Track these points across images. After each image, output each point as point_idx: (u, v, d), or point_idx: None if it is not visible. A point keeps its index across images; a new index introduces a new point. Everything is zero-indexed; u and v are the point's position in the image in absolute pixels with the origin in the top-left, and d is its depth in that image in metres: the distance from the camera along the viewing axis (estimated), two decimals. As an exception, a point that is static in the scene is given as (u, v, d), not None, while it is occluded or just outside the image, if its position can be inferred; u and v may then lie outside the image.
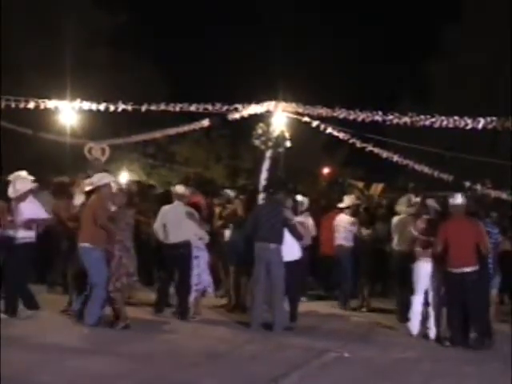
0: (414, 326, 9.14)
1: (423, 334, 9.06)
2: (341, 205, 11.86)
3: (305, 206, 10.86)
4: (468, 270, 8.58)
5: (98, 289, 8.55)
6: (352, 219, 11.65)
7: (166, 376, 6.58)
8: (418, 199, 10.50)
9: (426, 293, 9.11)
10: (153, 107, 14.72)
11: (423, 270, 9.05)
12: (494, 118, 12.06)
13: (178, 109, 14.53)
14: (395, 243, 10.52)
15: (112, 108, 14.58)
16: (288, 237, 9.27)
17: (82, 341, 7.97)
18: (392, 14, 36.17)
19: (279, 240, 9.12)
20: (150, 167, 28.51)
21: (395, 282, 10.79)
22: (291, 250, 9.30)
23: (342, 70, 32.39)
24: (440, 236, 8.76)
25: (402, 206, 10.70)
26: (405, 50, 32.65)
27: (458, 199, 8.85)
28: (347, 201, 11.89)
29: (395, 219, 10.69)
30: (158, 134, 16.67)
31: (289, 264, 9.18)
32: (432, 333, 8.97)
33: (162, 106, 14.66)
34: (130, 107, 14.64)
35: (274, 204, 9.40)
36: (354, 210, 11.88)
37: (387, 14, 36.63)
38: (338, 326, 9.86)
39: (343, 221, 11.65)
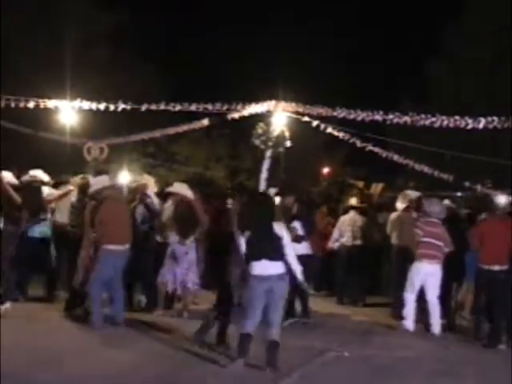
0: (410, 323, 9.21)
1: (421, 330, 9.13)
2: (354, 204, 11.97)
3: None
4: (497, 268, 8.62)
5: None
6: (359, 218, 11.77)
7: (167, 375, 6.58)
8: (414, 193, 10.61)
9: (422, 291, 9.18)
10: (153, 107, 14.72)
11: (423, 271, 9.09)
12: (495, 118, 12.06)
13: (177, 109, 14.53)
14: (394, 239, 10.60)
15: (112, 108, 14.57)
16: None
17: (82, 340, 7.96)
18: (392, 14, 36.23)
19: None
20: (150, 167, 28.51)
21: (393, 278, 10.85)
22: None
23: (342, 69, 32.44)
24: (476, 233, 8.86)
25: (399, 202, 10.82)
26: (405, 50, 32.71)
27: (502, 199, 8.95)
28: (355, 201, 12.08)
29: (393, 215, 10.80)
30: (157, 134, 16.66)
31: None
32: (436, 329, 9.04)
33: (162, 106, 14.64)
34: (129, 107, 14.63)
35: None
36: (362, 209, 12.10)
37: (387, 14, 36.69)
38: (338, 325, 9.84)
39: (351, 219, 11.76)
